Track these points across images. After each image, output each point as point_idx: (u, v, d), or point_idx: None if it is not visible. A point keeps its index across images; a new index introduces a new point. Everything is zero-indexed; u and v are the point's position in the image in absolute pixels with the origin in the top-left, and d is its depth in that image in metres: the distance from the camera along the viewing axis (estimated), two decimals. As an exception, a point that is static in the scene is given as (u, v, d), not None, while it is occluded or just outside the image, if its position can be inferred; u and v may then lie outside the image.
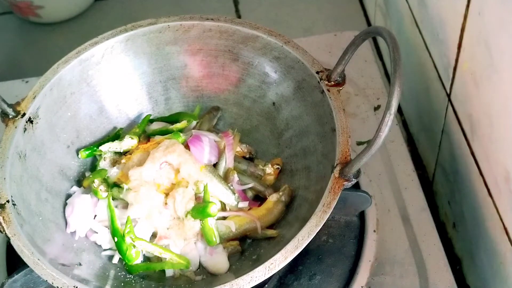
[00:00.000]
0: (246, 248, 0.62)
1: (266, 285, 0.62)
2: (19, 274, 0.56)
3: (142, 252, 0.61)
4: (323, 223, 0.53)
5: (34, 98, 0.63)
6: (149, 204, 0.62)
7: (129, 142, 0.66)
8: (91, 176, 0.65)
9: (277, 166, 0.66)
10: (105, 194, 0.63)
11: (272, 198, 0.63)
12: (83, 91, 0.67)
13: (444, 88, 0.67)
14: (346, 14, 0.98)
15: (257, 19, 0.69)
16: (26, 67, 0.95)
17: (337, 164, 0.56)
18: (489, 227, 0.62)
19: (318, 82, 0.62)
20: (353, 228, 0.66)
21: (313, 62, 0.63)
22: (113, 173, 0.65)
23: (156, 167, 0.62)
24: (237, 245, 0.62)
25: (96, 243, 0.63)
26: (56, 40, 0.98)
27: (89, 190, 0.64)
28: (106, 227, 0.63)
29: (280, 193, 0.63)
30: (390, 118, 0.49)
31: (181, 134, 0.65)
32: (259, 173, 0.66)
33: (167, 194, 0.63)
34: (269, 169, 0.66)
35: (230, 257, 0.62)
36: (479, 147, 0.61)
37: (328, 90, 0.61)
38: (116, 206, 0.63)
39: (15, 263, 0.56)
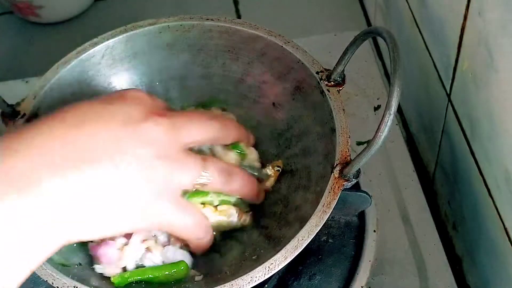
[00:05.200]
0: (246, 248, 0.62)
1: (266, 285, 0.62)
2: (19, 274, 0.56)
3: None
4: (323, 223, 0.53)
5: (34, 98, 0.63)
6: None
7: None
8: None
9: (278, 168, 0.66)
10: None
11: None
12: (83, 91, 0.67)
13: (444, 88, 0.67)
14: (346, 14, 0.98)
15: (257, 19, 0.68)
16: (26, 67, 0.95)
17: (337, 164, 0.56)
18: (489, 227, 0.62)
19: (318, 82, 0.62)
20: (353, 228, 0.67)
21: (313, 62, 0.63)
22: None
23: None
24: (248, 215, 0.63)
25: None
26: (56, 40, 0.98)
27: None
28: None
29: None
30: (390, 118, 0.49)
31: None
32: (254, 170, 0.66)
33: None
34: (269, 171, 0.66)
35: (230, 256, 0.62)
36: (479, 147, 0.61)
37: (328, 90, 0.61)
38: None
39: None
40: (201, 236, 0.57)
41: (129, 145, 0.48)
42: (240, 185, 0.58)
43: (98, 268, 0.58)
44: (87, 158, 0.46)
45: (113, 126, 0.48)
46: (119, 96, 0.52)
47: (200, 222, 0.56)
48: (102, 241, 0.59)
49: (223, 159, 0.61)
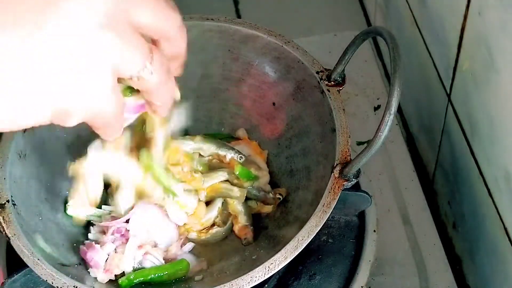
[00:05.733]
0: (246, 248, 0.62)
1: (266, 285, 0.62)
2: (19, 274, 0.56)
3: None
4: (323, 223, 0.53)
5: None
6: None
7: None
8: None
9: (279, 196, 0.64)
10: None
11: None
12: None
13: (444, 88, 0.67)
14: (346, 14, 0.98)
15: (257, 19, 0.68)
16: (26, 67, 0.95)
17: (337, 164, 0.56)
18: (489, 227, 0.62)
19: (318, 82, 0.62)
20: (353, 228, 0.66)
21: (313, 62, 0.63)
22: None
23: None
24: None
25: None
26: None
27: None
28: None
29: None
30: (390, 118, 0.49)
31: None
32: (260, 194, 0.65)
33: None
34: (271, 195, 0.65)
35: (230, 256, 0.62)
36: (479, 147, 0.61)
37: (328, 90, 0.61)
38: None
39: (15, 263, 0.56)
40: (112, 125, 0.44)
41: (57, 5, 0.38)
42: (170, 97, 0.48)
43: (92, 272, 0.59)
44: (3, 16, 0.37)
45: None
46: None
47: (119, 113, 0.43)
48: (89, 246, 0.60)
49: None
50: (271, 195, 0.64)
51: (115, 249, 0.60)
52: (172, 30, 0.45)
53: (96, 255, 0.59)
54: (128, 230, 0.61)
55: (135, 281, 0.58)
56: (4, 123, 0.39)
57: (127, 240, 0.60)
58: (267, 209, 0.65)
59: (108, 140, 0.46)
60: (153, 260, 0.60)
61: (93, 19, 0.38)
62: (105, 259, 0.59)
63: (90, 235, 0.62)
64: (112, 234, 0.61)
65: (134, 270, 0.60)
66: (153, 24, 0.43)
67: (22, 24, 0.37)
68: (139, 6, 0.42)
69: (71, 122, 0.41)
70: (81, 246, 0.60)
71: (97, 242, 0.61)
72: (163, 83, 0.45)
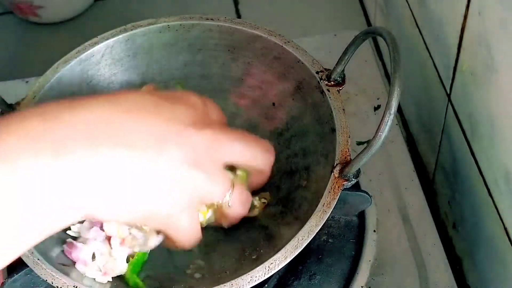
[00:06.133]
0: (246, 248, 0.62)
1: (266, 285, 0.62)
2: (19, 274, 0.56)
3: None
4: (323, 223, 0.54)
5: (34, 98, 0.63)
6: None
7: None
8: None
9: (264, 200, 0.63)
10: None
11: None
12: (83, 91, 0.67)
13: (444, 88, 0.67)
14: (346, 14, 0.98)
15: (257, 19, 0.69)
16: (26, 67, 0.95)
17: (337, 164, 0.56)
18: (489, 227, 0.62)
19: (318, 82, 0.62)
20: (353, 228, 0.66)
21: (313, 62, 0.63)
22: None
23: None
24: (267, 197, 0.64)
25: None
26: (56, 40, 0.98)
27: None
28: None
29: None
30: (390, 118, 0.49)
31: None
32: None
33: None
34: (256, 202, 0.63)
35: (230, 256, 0.62)
36: (479, 147, 0.61)
37: (328, 90, 0.61)
38: None
39: (15, 263, 0.56)
40: (187, 248, 0.56)
41: (168, 145, 0.48)
42: (243, 213, 0.59)
43: (87, 272, 0.58)
44: (125, 142, 0.46)
45: (158, 123, 0.48)
46: (172, 95, 0.52)
47: (196, 238, 0.56)
48: (71, 245, 0.58)
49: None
50: (254, 201, 0.62)
51: (107, 248, 0.59)
52: (258, 167, 0.57)
53: (81, 253, 0.57)
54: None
55: (136, 269, 0.58)
56: (105, 216, 0.49)
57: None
58: (252, 215, 0.63)
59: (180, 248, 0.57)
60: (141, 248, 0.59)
61: (187, 160, 0.49)
62: (91, 255, 0.58)
63: (70, 232, 0.59)
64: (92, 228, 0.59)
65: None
66: (242, 161, 0.55)
67: (137, 153, 0.47)
68: (228, 149, 0.52)
69: (150, 226, 0.55)
70: (64, 246, 0.58)
71: (78, 240, 0.58)
72: (240, 209, 0.57)
